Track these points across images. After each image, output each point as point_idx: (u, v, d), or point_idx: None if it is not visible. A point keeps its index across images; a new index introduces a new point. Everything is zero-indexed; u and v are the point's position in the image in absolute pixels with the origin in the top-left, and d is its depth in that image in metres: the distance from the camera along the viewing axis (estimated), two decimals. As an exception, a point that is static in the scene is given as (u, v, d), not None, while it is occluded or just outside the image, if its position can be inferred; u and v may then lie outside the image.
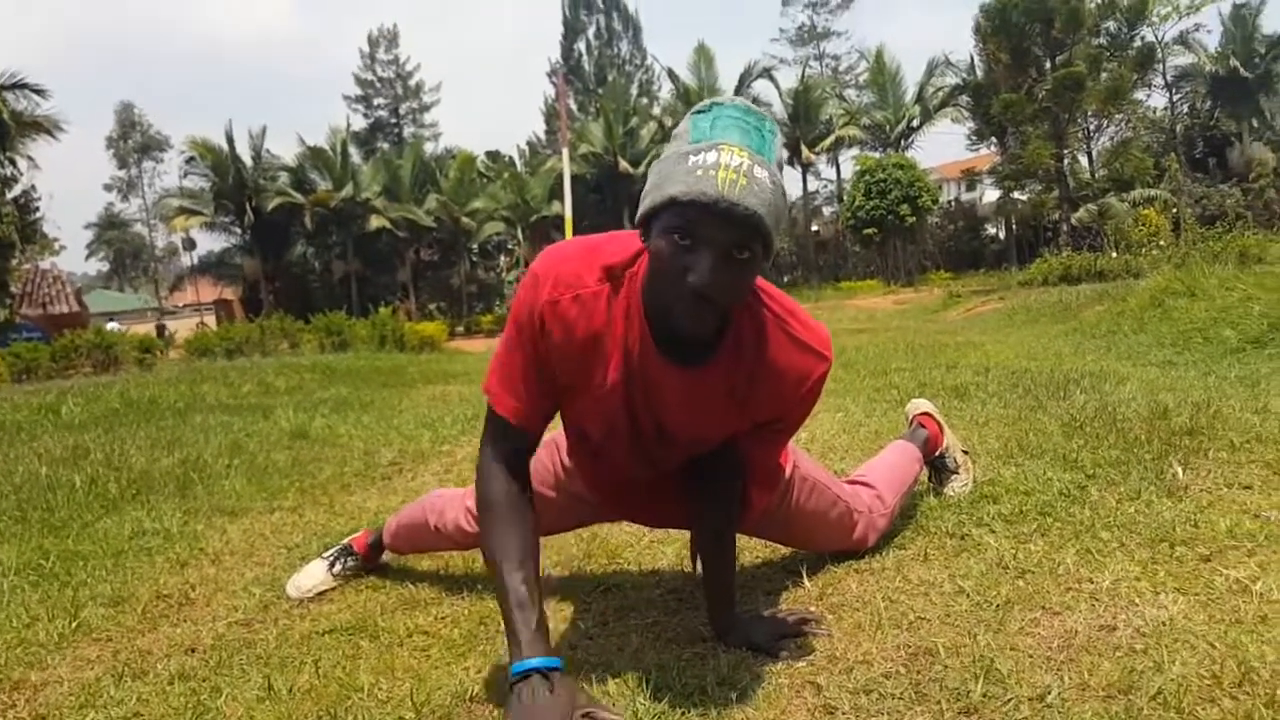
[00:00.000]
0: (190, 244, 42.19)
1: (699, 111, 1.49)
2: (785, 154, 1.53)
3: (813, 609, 2.04)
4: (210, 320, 34.40)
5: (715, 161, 1.39)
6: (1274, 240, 15.86)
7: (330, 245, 40.99)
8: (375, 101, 52.69)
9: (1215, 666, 1.55)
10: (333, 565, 2.63)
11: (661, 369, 1.61)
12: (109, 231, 59.08)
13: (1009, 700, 1.52)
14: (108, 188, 58.49)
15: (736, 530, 1.99)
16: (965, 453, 2.97)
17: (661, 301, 1.51)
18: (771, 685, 1.69)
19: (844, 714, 1.55)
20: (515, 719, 1.49)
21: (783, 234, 1.56)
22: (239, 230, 39.71)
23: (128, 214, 59.35)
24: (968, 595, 2.02)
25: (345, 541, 2.71)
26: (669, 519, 2.13)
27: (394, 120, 52.90)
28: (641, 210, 1.48)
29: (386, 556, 2.73)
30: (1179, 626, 1.73)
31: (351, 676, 1.89)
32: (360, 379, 10.69)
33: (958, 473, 2.89)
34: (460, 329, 34.90)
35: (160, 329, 30.98)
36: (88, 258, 62.11)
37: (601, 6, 51.52)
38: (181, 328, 26.86)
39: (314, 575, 2.61)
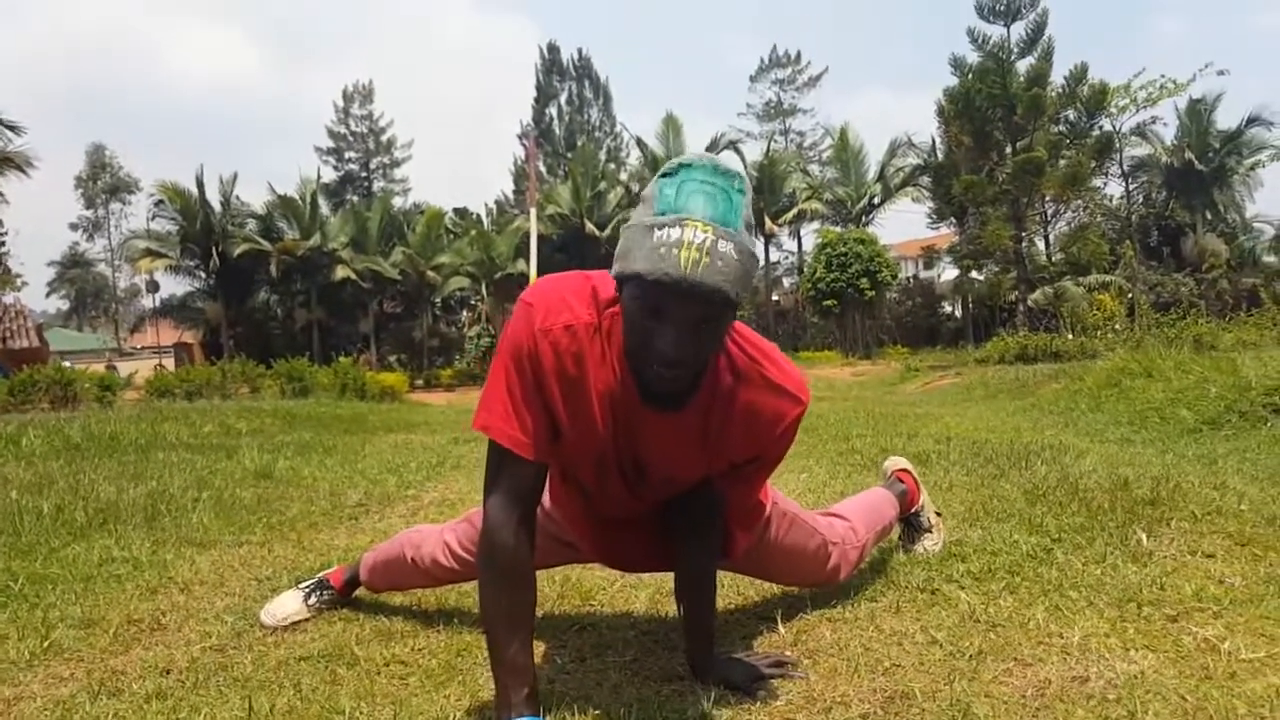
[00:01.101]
0: (154, 286, 41.72)
1: (666, 174, 1.50)
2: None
3: (788, 653, 2.08)
4: (169, 363, 33.94)
5: (678, 239, 1.41)
6: (1226, 329, 16.27)
7: (294, 293, 40.74)
8: (347, 154, 52.90)
9: (1188, 718, 1.60)
10: (308, 597, 2.63)
11: (639, 410, 1.65)
12: (72, 270, 58.45)
13: (986, 740, 1.56)
14: (74, 227, 58.12)
15: (718, 569, 2.03)
16: (938, 514, 3.03)
17: (632, 359, 1.56)
18: None
19: (824, 748, 1.58)
20: None
21: (752, 290, 1.58)
22: (204, 274, 39.40)
23: (92, 254, 58.92)
24: (940, 645, 2.07)
25: (321, 575, 2.72)
26: (649, 562, 2.15)
27: (364, 174, 53.07)
28: (613, 270, 1.52)
29: (360, 592, 2.73)
30: (1150, 680, 1.78)
31: (332, 700, 1.89)
32: (322, 425, 10.61)
33: (930, 532, 2.95)
34: (420, 382, 34.69)
35: (110, 369, 30.48)
36: (48, 295, 61.41)
37: (574, 74, 52.38)
38: (140, 368, 26.39)
39: (288, 605, 2.60)
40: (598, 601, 2.64)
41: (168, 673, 2.18)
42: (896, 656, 2.02)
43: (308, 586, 2.66)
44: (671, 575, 2.13)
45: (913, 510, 2.91)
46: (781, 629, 2.26)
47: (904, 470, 2.93)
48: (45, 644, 2.40)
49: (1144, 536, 2.87)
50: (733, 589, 2.62)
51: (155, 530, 3.87)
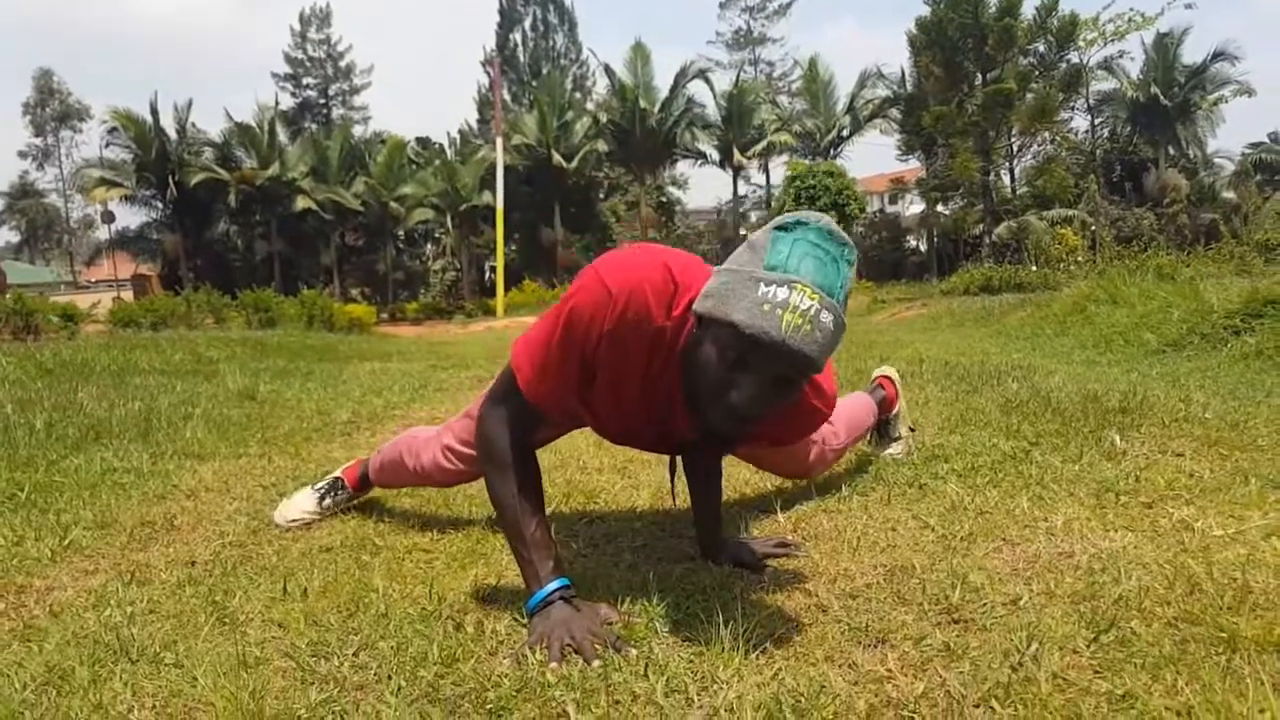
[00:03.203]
0: (109, 217, 40.96)
1: (782, 228, 1.48)
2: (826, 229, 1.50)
3: (791, 537, 2.20)
4: (127, 296, 33.45)
5: (784, 300, 1.40)
6: (1185, 263, 16.56)
7: (254, 224, 40.19)
8: (305, 81, 51.88)
9: (1166, 581, 1.74)
10: (323, 499, 2.68)
11: (680, 406, 1.69)
12: (22, 200, 57.09)
13: (985, 604, 1.69)
14: (22, 155, 56.66)
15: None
16: (912, 429, 3.15)
17: (698, 393, 1.56)
18: (765, 590, 1.85)
19: (835, 612, 1.70)
20: (549, 624, 1.62)
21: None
22: (160, 205, 38.74)
23: (43, 183, 57.57)
24: (933, 529, 2.20)
25: (335, 474, 2.77)
26: (651, 447, 2.27)
27: (323, 101, 52.15)
28: (700, 307, 1.50)
29: (375, 492, 2.82)
30: (1130, 554, 1.92)
31: (364, 580, 1.99)
32: (294, 353, 10.57)
33: (896, 442, 3.07)
34: (385, 315, 34.51)
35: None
36: (-2, 227, 60.04)
37: (537, -2, 51.43)
38: (102, 299, 25.98)
39: (302, 505, 2.66)
40: (602, 501, 2.74)
41: (193, 564, 2.26)
42: (892, 539, 2.14)
43: (323, 487, 2.71)
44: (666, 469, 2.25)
45: (886, 416, 3.03)
46: (781, 518, 2.39)
47: (886, 377, 3.05)
48: (65, 543, 2.47)
49: (1117, 438, 3.02)
50: (728, 486, 2.72)
51: (151, 444, 3.92)
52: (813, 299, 1.40)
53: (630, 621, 1.69)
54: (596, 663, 1.51)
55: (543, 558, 1.72)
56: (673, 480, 2.16)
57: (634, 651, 1.55)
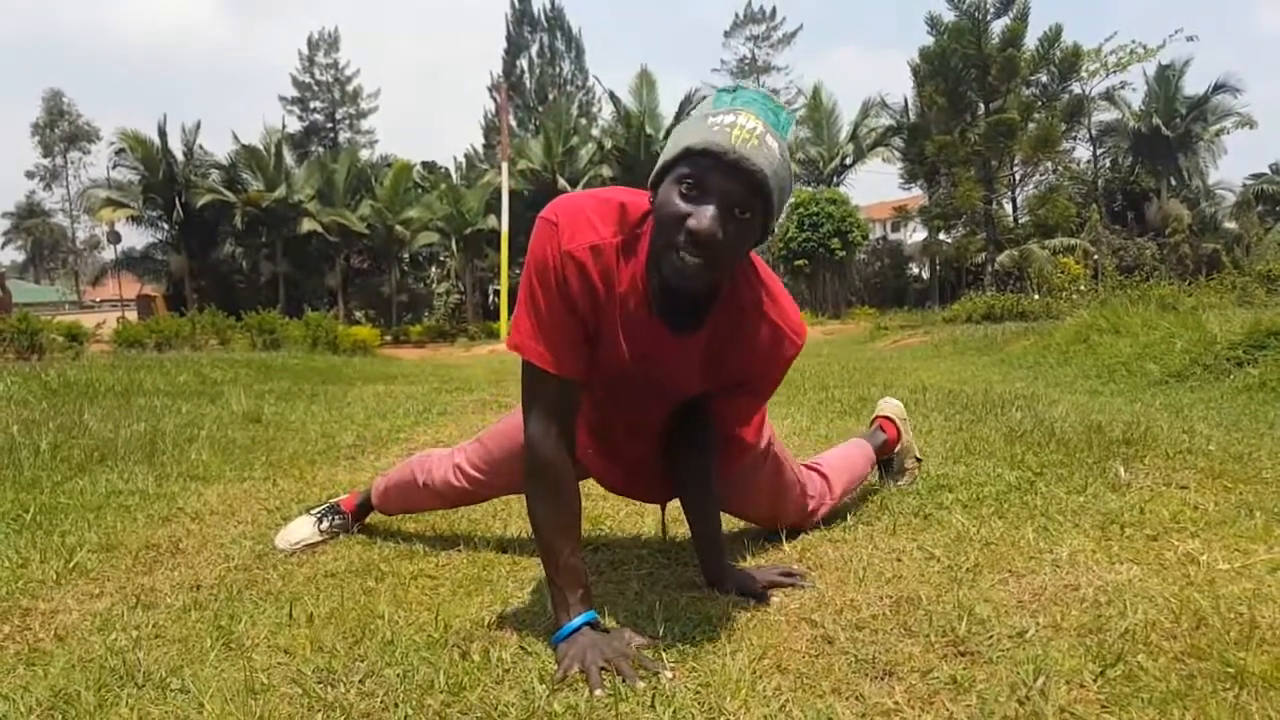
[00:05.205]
0: (115, 237, 41.03)
1: (723, 90, 1.60)
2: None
3: (796, 566, 2.20)
4: (132, 316, 33.44)
5: (733, 122, 1.51)
6: (1188, 293, 16.57)
7: (259, 246, 40.23)
8: (312, 104, 52.11)
9: (1173, 615, 1.74)
10: (320, 521, 2.69)
11: (653, 329, 1.73)
12: (28, 220, 57.36)
13: (992, 636, 1.68)
14: (30, 175, 57.01)
15: (717, 480, 2.10)
16: (918, 460, 3.14)
17: (660, 253, 1.60)
18: (770, 620, 1.84)
19: (841, 644, 1.70)
20: (579, 649, 1.62)
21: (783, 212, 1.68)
22: (166, 226, 38.84)
23: (50, 204, 57.91)
24: (939, 560, 2.20)
25: (332, 501, 2.79)
26: (646, 490, 2.27)
27: (330, 124, 52.38)
28: (657, 167, 1.60)
29: (372, 518, 2.82)
30: (1136, 587, 1.91)
31: (370, 607, 1.99)
32: (299, 375, 10.60)
33: (903, 475, 3.07)
34: (389, 338, 34.50)
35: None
36: (3, 246, 60.35)
37: (545, 25, 51.70)
38: (107, 319, 25.93)
39: (300, 530, 2.67)
40: (606, 527, 2.75)
41: (198, 588, 2.26)
42: (898, 569, 2.14)
43: (319, 511, 2.73)
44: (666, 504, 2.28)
45: (889, 455, 3.04)
46: (786, 547, 2.39)
47: (887, 418, 3.03)
48: (69, 566, 2.46)
49: (1121, 470, 3.02)
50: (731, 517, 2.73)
51: (156, 466, 3.93)
52: (757, 122, 1.52)
53: (654, 644, 1.70)
54: (641, 684, 1.52)
55: (572, 585, 1.73)
56: (664, 528, 2.25)
57: (670, 673, 1.56)
